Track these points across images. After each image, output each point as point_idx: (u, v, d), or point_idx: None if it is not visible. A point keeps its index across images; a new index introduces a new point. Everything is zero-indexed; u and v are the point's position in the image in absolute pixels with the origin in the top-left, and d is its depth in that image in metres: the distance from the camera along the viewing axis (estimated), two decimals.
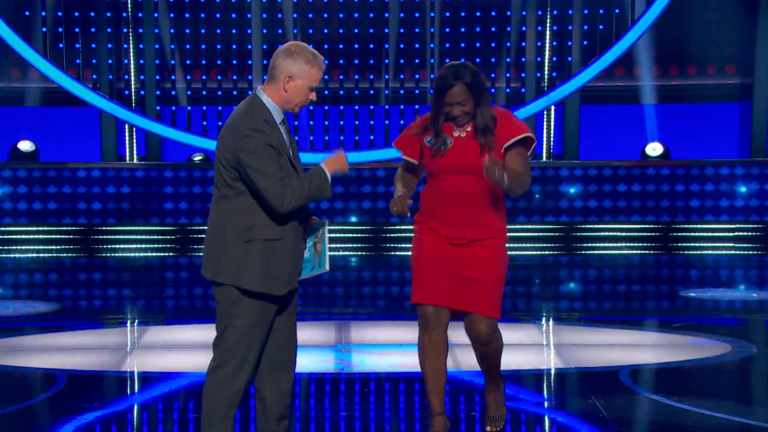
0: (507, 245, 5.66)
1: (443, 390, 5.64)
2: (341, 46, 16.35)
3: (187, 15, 16.25)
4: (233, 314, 4.83)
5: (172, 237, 14.86)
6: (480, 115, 5.46)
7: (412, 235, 5.69)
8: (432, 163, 5.54)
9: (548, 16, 16.12)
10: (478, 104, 5.46)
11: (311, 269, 4.97)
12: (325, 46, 16.28)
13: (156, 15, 16.18)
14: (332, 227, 14.48)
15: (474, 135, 5.48)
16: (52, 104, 16.41)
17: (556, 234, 14.98)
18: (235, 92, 16.36)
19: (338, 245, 14.50)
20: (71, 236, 14.91)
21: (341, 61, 16.35)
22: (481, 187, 5.47)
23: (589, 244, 14.84)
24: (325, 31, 16.30)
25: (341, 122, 16.11)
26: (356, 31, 16.38)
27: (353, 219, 15.01)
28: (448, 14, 16.28)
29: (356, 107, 16.21)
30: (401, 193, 5.51)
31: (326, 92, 16.23)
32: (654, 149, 15.86)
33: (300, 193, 4.80)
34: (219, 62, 16.40)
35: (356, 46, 16.39)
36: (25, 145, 15.70)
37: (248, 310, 4.83)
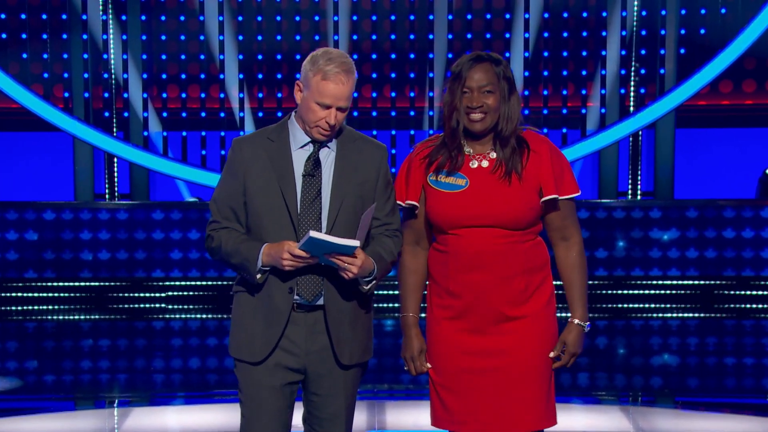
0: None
1: None
2: (374, 57, 16.39)
3: (143, 18, 16.31)
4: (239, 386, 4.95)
5: (162, 294, 14.84)
6: (506, 124, 4.89)
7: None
8: (439, 211, 4.96)
9: (635, 18, 16.11)
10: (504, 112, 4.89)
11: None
12: (355, 56, 16.33)
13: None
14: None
15: (500, 163, 4.87)
16: (5, 129, 16.51)
17: (645, 292, 14.89)
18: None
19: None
20: (35, 294, 14.93)
21: (374, 75, 16.39)
22: (511, 244, 4.87)
23: (687, 305, 14.74)
24: (354, 37, 16.36)
25: None
26: (393, 37, 16.42)
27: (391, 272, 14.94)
28: (508, 16, 16.30)
29: (393, 132, 16.22)
30: (419, 345, 5.15)
31: (356, 114, 16.27)
32: None
33: (218, 246, 4.82)
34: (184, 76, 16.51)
35: (393, 56, 16.42)
36: None
37: (241, 380, 4.93)
